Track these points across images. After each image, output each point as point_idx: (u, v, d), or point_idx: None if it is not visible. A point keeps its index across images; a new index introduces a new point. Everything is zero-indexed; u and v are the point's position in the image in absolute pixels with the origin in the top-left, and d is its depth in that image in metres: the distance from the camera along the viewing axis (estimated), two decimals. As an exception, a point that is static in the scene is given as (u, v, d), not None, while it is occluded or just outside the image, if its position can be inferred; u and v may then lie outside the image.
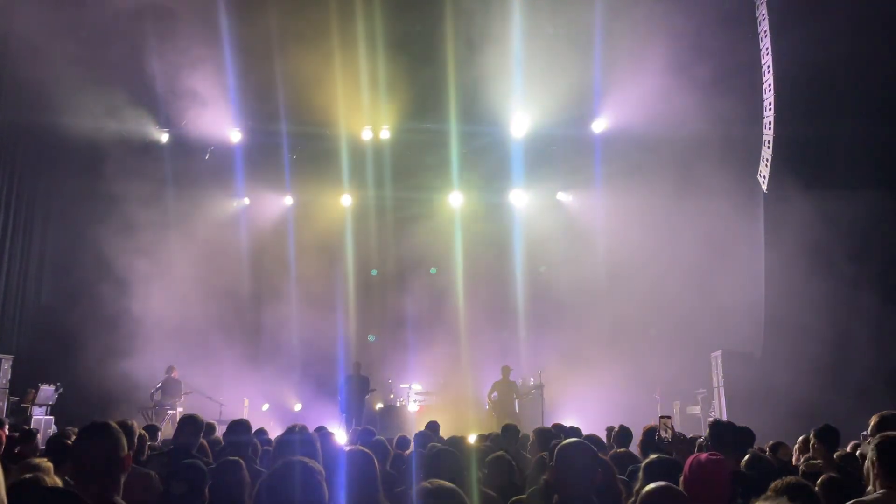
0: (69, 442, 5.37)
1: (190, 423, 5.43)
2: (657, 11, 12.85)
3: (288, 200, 17.32)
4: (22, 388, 13.02)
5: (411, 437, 7.67)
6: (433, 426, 8.19)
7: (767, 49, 12.46)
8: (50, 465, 4.26)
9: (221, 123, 15.82)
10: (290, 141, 16.38)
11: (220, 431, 7.72)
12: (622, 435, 6.67)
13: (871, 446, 3.37)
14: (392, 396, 15.57)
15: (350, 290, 16.50)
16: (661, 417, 5.40)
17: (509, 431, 6.98)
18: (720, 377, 12.86)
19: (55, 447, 5.29)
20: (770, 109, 12.43)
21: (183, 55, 13.74)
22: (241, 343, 15.55)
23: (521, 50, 14.12)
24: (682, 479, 3.22)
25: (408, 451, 7.25)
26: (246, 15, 14.00)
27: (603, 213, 15.83)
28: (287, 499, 2.47)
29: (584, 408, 13.70)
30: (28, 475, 3.55)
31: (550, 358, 14.92)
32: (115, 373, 13.56)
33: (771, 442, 6.57)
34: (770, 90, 12.42)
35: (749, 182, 13.13)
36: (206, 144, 16.25)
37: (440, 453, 4.06)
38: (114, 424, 2.97)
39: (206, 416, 6.59)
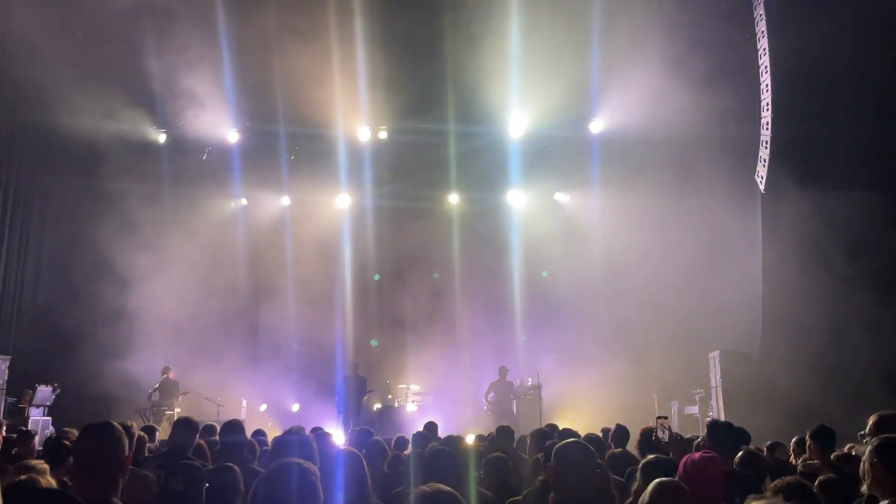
0: (67, 443, 5.37)
1: (185, 425, 5.43)
2: (654, 12, 12.86)
3: (285, 201, 17.31)
4: (19, 388, 12.99)
5: (409, 438, 7.67)
6: (431, 427, 8.20)
7: (765, 49, 12.48)
8: (46, 466, 4.26)
9: (219, 123, 15.82)
10: (288, 141, 16.38)
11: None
12: (619, 435, 6.68)
13: (871, 448, 3.35)
14: (390, 397, 15.57)
15: (348, 290, 16.49)
16: (658, 417, 5.41)
17: (504, 432, 6.98)
18: (718, 377, 12.87)
19: (53, 448, 5.28)
20: (767, 110, 12.45)
21: (180, 55, 13.74)
22: (238, 343, 15.55)
23: (518, 50, 14.12)
24: (677, 478, 3.23)
25: (406, 452, 7.25)
26: (243, 15, 13.99)
27: (600, 214, 15.84)
28: (282, 500, 2.48)
29: (582, 408, 13.72)
30: (23, 477, 3.55)
31: (548, 358, 14.93)
32: (112, 373, 13.57)
33: (768, 442, 6.59)
34: (767, 90, 12.45)
35: (746, 182, 13.14)
36: (204, 144, 16.25)
37: (438, 454, 4.07)
38: (116, 425, 2.97)
39: (205, 416, 6.64)
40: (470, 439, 7.66)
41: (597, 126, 15.80)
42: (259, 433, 7.71)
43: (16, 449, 6.15)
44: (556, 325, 15.73)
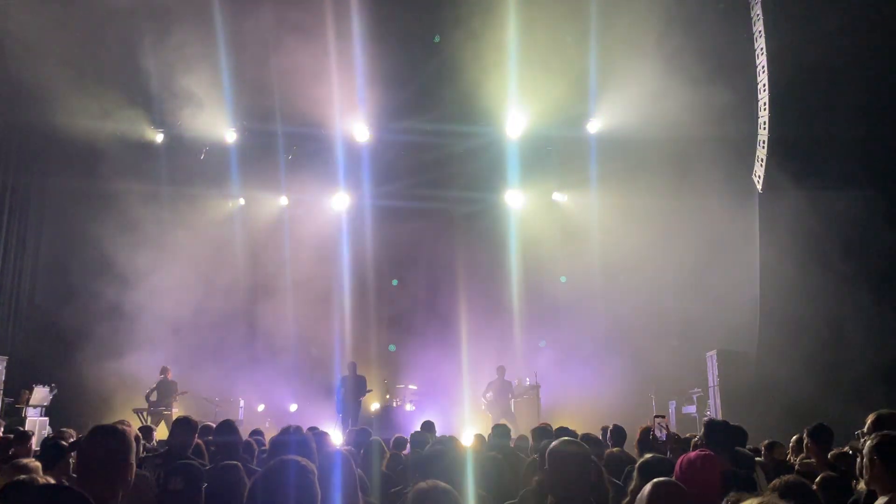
0: (64, 443, 5.36)
1: (184, 424, 5.43)
2: (652, 11, 12.88)
3: (283, 200, 17.31)
4: (16, 389, 12.98)
5: (408, 438, 7.68)
6: (428, 426, 8.20)
7: (762, 49, 12.49)
8: (37, 464, 4.26)
9: (217, 123, 15.80)
10: (286, 141, 16.37)
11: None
12: (616, 434, 6.69)
13: (869, 445, 3.36)
14: (388, 397, 15.57)
15: (346, 290, 16.48)
16: (656, 417, 5.42)
17: (501, 431, 6.99)
18: (715, 376, 12.88)
19: (50, 448, 5.27)
20: (765, 109, 12.47)
21: (178, 54, 13.72)
22: (236, 344, 15.55)
23: (516, 50, 14.12)
24: (674, 477, 3.23)
25: (404, 452, 7.26)
26: (240, 14, 13.98)
27: (598, 213, 15.85)
28: (279, 497, 2.47)
29: (580, 407, 13.72)
30: (24, 476, 3.55)
31: (546, 358, 14.95)
32: (110, 374, 13.55)
33: (766, 441, 6.60)
34: (765, 89, 12.46)
35: (744, 181, 13.16)
36: (202, 144, 16.24)
37: (435, 454, 4.07)
38: (127, 430, 2.98)
39: (202, 417, 6.63)
40: (468, 438, 7.67)
41: (595, 126, 15.82)
42: (257, 433, 7.72)
43: (13, 449, 6.14)
44: (553, 324, 15.75)
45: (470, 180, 16.74)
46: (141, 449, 6.26)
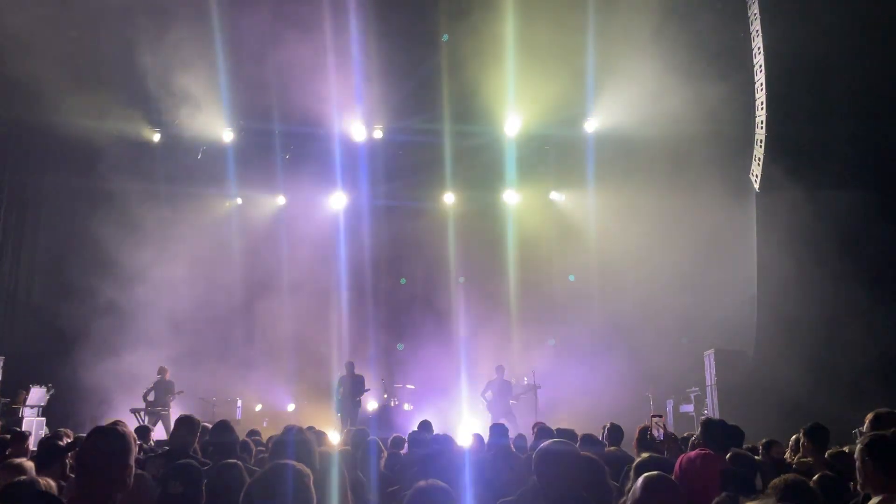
0: (61, 444, 5.35)
1: (186, 424, 5.41)
2: (649, 11, 12.89)
3: (281, 200, 17.29)
4: (13, 389, 12.94)
5: (405, 437, 7.67)
6: (426, 425, 8.20)
7: (759, 48, 12.52)
8: (30, 464, 4.25)
9: (214, 123, 15.78)
10: (283, 140, 16.35)
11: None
12: (613, 433, 6.69)
13: (860, 447, 3.37)
14: (386, 396, 15.56)
15: (343, 289, 16.46)
16: (653, 416, 5.42)
17: (498, 430, 7.00)
18: (713, 376, 12.90)
19: (47, 449, 5.26)
20: (762, 108, 12.49)
21: (175, 54, 13.70)
22: (233, 343, 15.52)
23: (514, 50, 14.12)
24: (672, 476, 3.23)
25: (402, 451, 7.26)
26: (237, 13, 13.96)
27: (596, 212, 15.87)
28: (275, 501, 2.46)
29: (578, 406, 13.72)
30: (24, 478, 3.55)
31: (544, 357, 14.95)
32: (107, 373, 13.51)
33: (764, 440, 6.60)
34: (762, 89, 12.48)
35: (741, 180, 13.18)
36: (199, 143, 16.21)
37: (433, 453, 4.07)
38: (126, 431, 2.98)
39: (200, 417, 6.59)
40: (467, 437, 7.67)
41: (592, 125, 15.83)
42: (254, 433, 7.71)
43: (9, 450, 6.12)
44: (551, 323, 15.75)
45: (468, 179, 16.73)
46: (138, 450, 6.25)
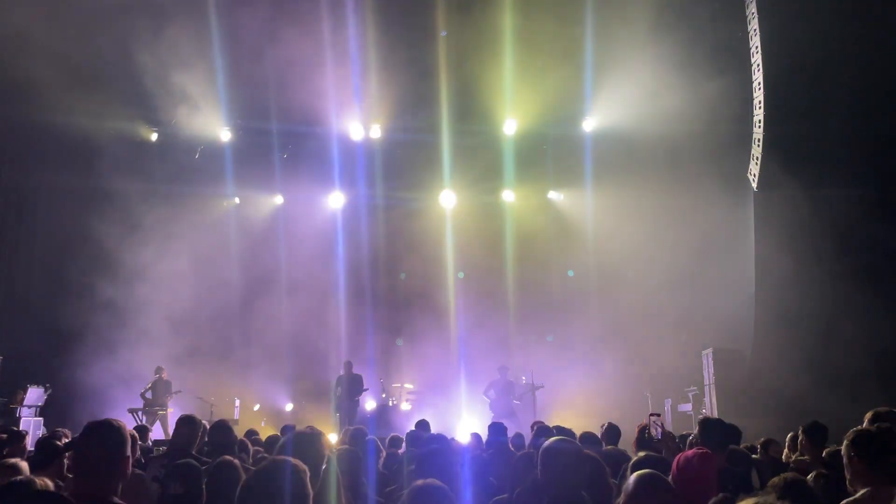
0: (59, 443, 5.34)
1: (188, 424, 5.40)
2: (647, 10, 12.90)
3: (278, 199, 17.28)
4: (10, 389, 12.92)
5: (403, 437, 7.68)
6: (423, 425, 8.20)
7: (757, 47, 12.53)
8: (24, 464, 4.25)
9: (211, 122, 15.76)
10: (281, 140, 16.34)
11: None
12: (610, 432, 6.70)
13: (846, 444, 3.40)
14: (384, 395, 15.56)
15: (342, 289, 16.45)
16: (651, 415, 5.42)
17: (496, 429, 7.01)
18: (711, 375, 12.92)
19: (44, 449, 5.25)
20: (759, 107, 12.50)
21: (173, 53, 13.67)
22: (231, 343, 15.50)
23: (512, 49, 14.13)
24: (670, 476, 3.24)
25: (400, 451, 7.26)
26: (235, 12, 13.94)
27: (594, 212, 15.88)
28: (270, 499, 2.46)
29: (576, 405, 13.73)
30: (21, 477, 3.54)
31: (542, 356, 14.95)
32: (104, 373, 13.49)
33: (762, 439, 6.62)
34: (759, 88, 12.50)
35: (739, 179, 13.19)
36: (197, 143, 16.19)
37: (431, 452, 4.07)
38: (119, 424, 2.97)
39: (198, 416, 6.59)
40: (465, 436, 7.68)
41: (590, 124, 15.84)
42: (252, 433, 7.71)
43: (6, 450, 6.11)
44: (549, 322, 15.76)
45: (466, 179, 16.73)
46: (137, 449, 6.25)
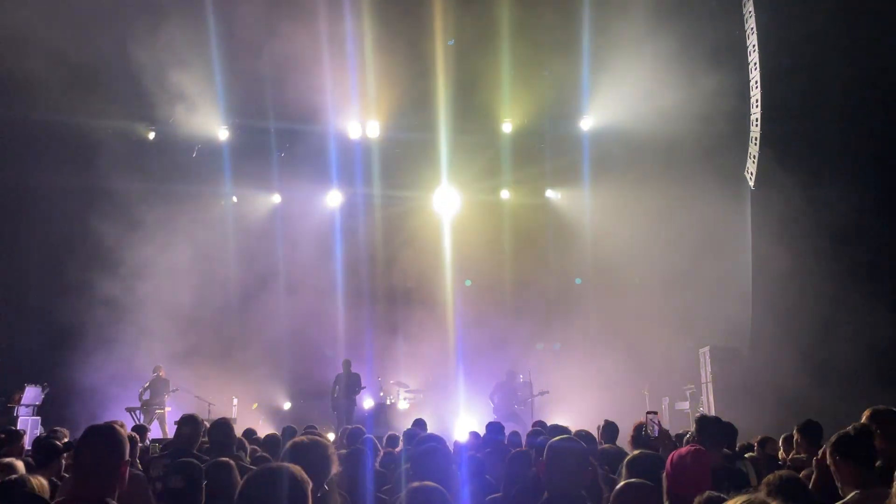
0: (57, 443, 5.35)
1: (190, 423, 5.41)
2: (645, 9, 12.90)
3: (276, 198, 17.27)
4: (8, 388, 12.92)
5: (401, 435, 7.69)
6: (420, 424, 8.21)
7: (754, 46, 12.54)
8: (19, 463, 4.26)
9: (209, 121, 15.75)
10: (278, 138, 16.33)
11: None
12: (608, 430, 6.71)
13: (830, 450, 3.42)
14: (382, 394, 15.58)
15: (339, 287, 16.45)
16: (648, 413, 5.44)
17: (494, 428, 7.04)
18: (708, 373, 12.94)
19: (43, 448, 5.26)
20: (757, 106, 12.51)
21: (170, 51, 13.66)
22: (229, 341, 15.49)
23: (511, 48, 14.13)
24: (664, 473, 3.25)
25: (397, 450, 7.27)
26: (233, 11, 13.92)
27: (591, 210, 15.89)
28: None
29: (573, 404, 13.75)
30: (14, 476, 3.54)
31: (540, 353, 14.97)
32: (102, 372, 13.49)
33: (759, 437, 6.63)
34: (757, 86, 12.51)
35: (736, 177, 13.21)
36: (194, 141, 16.17)
37: (427, 451, 4.08)
38: (119, 429, 2.99)
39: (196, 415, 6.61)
40: (463, 435, 7.69)
41: (588, 123, 15.84)
42: (250, 432, 7.72)
43: (4, 449, 6.11)
44: (547, 321, 15.77)
45: (464, 177, 16.73)
46: (136, 449, 6.25)
